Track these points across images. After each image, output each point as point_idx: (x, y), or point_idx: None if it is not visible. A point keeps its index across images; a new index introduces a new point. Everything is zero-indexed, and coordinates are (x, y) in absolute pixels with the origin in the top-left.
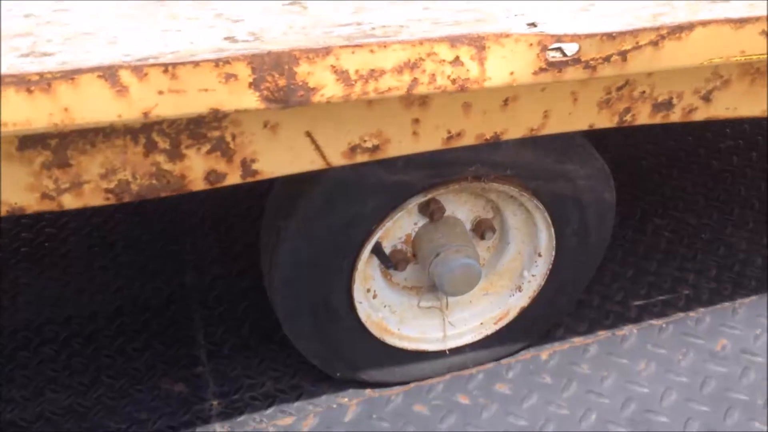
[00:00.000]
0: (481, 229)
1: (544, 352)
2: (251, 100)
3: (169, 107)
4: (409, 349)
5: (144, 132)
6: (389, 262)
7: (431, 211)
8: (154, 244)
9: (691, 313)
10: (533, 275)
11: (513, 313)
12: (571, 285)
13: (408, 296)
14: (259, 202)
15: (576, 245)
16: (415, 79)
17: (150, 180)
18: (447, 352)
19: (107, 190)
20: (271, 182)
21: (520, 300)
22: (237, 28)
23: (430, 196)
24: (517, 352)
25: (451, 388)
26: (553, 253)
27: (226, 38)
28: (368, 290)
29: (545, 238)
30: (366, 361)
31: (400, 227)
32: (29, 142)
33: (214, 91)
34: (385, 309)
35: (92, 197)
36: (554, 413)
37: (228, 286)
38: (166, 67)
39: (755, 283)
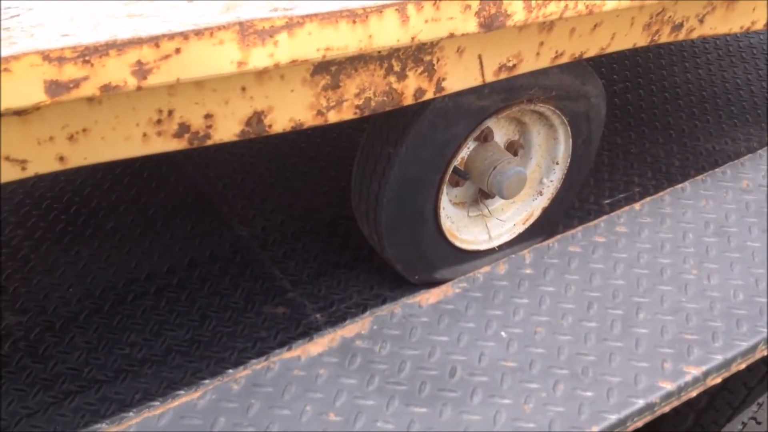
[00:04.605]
0: (513, 148)
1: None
2: (472, 26)
3: (426, 32)
4: (468, 249)
5: (388, 58)
6: (466, 174)
7: (485, 135)
8: (190, 214)
9: (636, 206)
10: (551, 181)
11: (536, 214)
12: (576, 185)
13: (459, 209)
14: (258, 173)
15: (582, 152)
16: (566, 6)
17: (382, 97)
18: (496, 249)
19: (356, 106)
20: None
21: (542, 202)
22: None
23: (494, 119)
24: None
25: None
26: (568, 160)
27: None
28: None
29: (563, 149)
30: (440, 261)
31: (460, 152)
32: (319, 68)
33: (454, 19)
34: (448, 219)
35: (346, 112)
36: (568, 279)
37: (280, 233)
38: (434, 1)
39: (680, 177)
